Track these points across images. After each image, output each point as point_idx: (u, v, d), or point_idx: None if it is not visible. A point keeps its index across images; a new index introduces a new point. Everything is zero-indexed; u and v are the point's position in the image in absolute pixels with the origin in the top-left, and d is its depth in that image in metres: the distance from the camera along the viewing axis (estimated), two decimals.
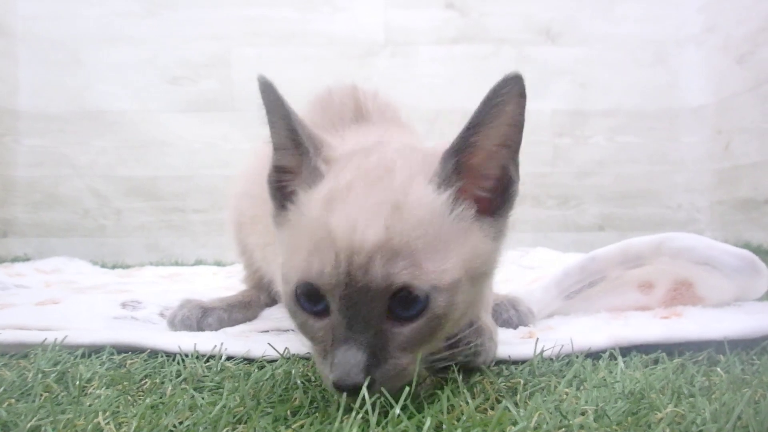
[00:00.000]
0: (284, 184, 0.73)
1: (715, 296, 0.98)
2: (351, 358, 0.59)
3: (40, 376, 0.76)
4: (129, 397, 0.67)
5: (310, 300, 0.63)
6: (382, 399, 0.58)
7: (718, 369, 0.76)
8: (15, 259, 2.50)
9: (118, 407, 0.63)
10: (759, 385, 0.67)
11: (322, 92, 1.07)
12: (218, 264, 2.50)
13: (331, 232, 0.61)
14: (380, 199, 0.63)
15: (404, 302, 0.61)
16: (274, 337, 0.96)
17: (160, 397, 0.66)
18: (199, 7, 2.82)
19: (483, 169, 0.68)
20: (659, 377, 0.72)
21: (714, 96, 2.72)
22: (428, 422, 0.53)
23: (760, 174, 2.43)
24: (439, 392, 0.62)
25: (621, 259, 1.01)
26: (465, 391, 0.64)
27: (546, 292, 1.05)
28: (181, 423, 0.58)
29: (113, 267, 2.44)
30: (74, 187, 2.81)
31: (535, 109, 2.91)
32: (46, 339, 0.87)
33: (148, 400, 0.63)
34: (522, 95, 0.65)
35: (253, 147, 1.21)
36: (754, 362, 0.80)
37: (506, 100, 0.64)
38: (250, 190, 1.06)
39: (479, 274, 0.67)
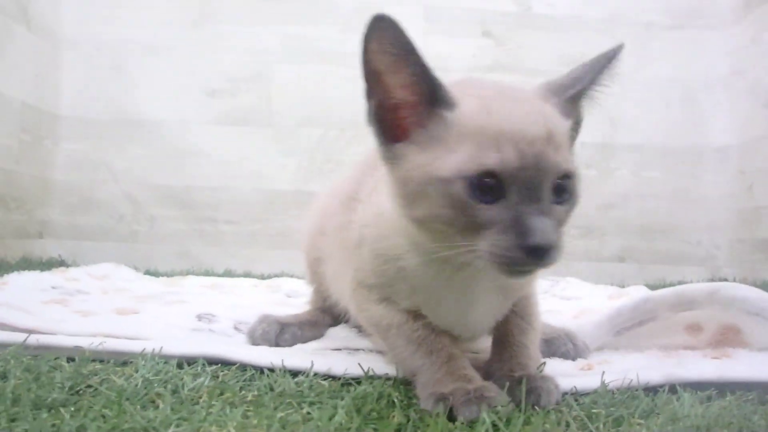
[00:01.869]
0: (397, 122, 0.79)
1: (761, 342, 1.04)
2: (546, 224, 0.71)
3: (148, 384, 0.82)
4: (248, 411, 0.73)
5: (481, 189, 0.72)
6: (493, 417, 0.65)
7: None
8: (50, 261, 2.57)
9: (243, 420, 0.69)
10: None
11: None
12: (246, 275, 2.57)
13: (503, 131, 0.73)
14: (530, 108, 0.77)
15: (560, 187, 0.76)
16: (348, 356, 1.02)
17: (274, 409, 0.73)
18: (242, 22, 2.92)
19: None
20: (721, 414, 0.78)
21: (738, 137, 2.79)
22: None
23: None
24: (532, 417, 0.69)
25: (674, 302, 1.07)
26: (554, 417, 0.71)
27: (598, 327, 1.12)
28: None
29: (146, 273, 2.51)
30: (110, 192, 2.89)
31: None
32: (144, 348, 0.93)
33: (279, 415, 0.69)
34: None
35: (323, 187, 1.29)
36: None
37: None
38: (323, 228, 1.15)
39: None
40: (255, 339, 1.09)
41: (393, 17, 0.76)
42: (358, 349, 1.06)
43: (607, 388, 0.87)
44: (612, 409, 0.79)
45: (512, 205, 0.72)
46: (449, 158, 0.74)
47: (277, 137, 2.92)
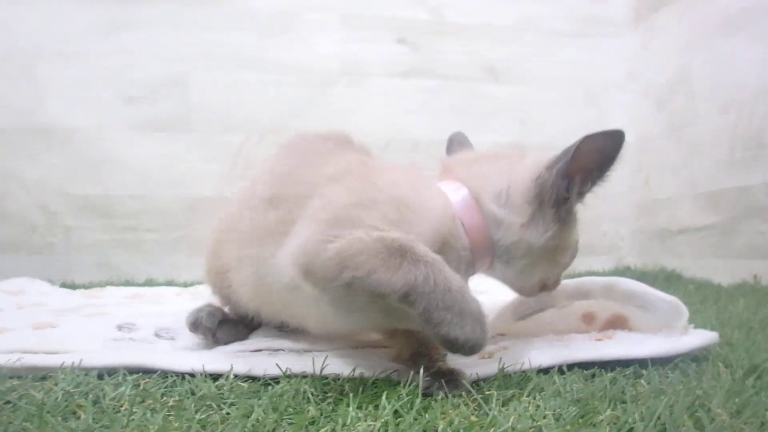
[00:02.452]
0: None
1: (643, 329, 1.17)
2: None
3: (69, 396, 0.84)
4: (169, 415, 0.77)
5: None
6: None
7: (642, 381, 0.94)
8: None
9: (165, 424, 0.74)
10: (673, 393, 0.85)
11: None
12: (169, 283, 2.55)
13: None
14: None
15: None
16: (268, 356, 1.07)
17: (195, 412, 0.78)
18: (158, 29, 2.88)
19: None
20: (598, 388, 0.89)
21: (635, 136, 3.03)
22: (441, 426, 0.67)
23: (675, 207, 2.74)
24: (433, 402, 0.77)
25: (572, 293, 1.21)
26: (452, 401, 0.79)
27: (501, 315, 1.23)
28: None
29: (62, 286, 2.44)
30: (21, 203, 2.78)
31: (480, 140, 3.11)
32: (64, 362, 0.95)
33: (199, 417, 0.74)
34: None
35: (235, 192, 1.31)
36: (668, 375, 0.98)
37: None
38: (227, 237, 1.16)
39: None
40: (197, 319, 1.13)
41: (624, 134, 0.96)
42: (278, 350, 1.11)
43: (504, 372, 0.97)
44: (505, 390, 0.88)
45: None
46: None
47: (197, 143, 2.91)
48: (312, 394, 0.85)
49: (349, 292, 0.86)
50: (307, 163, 1.08)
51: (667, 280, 2.53)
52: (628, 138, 3.29)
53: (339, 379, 0.94)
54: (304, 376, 0.95)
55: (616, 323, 1.22)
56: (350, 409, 0.77)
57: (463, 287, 0.84)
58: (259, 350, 1.11)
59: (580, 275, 2.78)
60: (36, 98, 2.80)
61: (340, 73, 3.01)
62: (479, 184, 1.01)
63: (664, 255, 2.80)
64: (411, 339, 1.04)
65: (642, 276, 2.63)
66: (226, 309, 1.29)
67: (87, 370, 0.95)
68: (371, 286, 0.83)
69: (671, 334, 1.13)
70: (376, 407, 0.78)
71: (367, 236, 0.84)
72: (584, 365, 1.02)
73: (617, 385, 0.92)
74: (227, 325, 1.18)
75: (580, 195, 1.01)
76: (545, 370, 1.00)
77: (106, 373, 0.96)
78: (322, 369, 0.96)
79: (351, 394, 0.82)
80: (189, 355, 1.05)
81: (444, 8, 3.10)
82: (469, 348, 0.82)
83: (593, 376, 0.98)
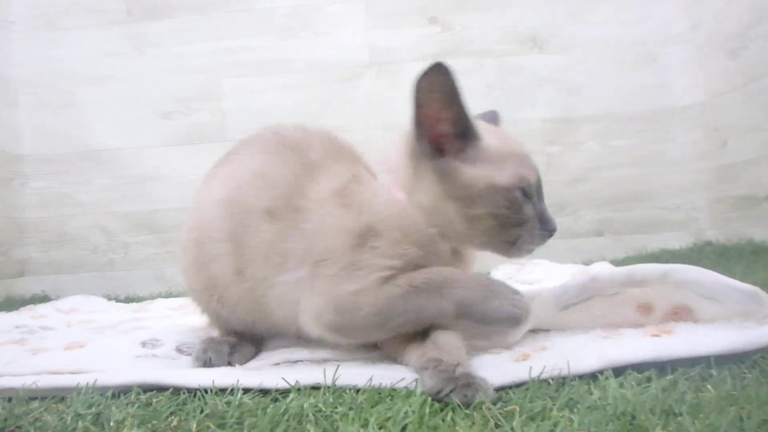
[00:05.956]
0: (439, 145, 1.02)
1: (712, 322, 1.01)
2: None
3: (78, 419, 0.82)
4: None
5: (525, 195, 1.00)
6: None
7: (709, 385, 0.78)
8: (33, 298, 2.59)
9: None
10: (746, 401, 0.71)
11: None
12: None
13: (523, 155, 1.05)
14: (516, 138, 1.10)
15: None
16: (286, 369, 1.02)
17: None
18: (183, 43, 2.92)
19: None
20: (650, 396, 0.75)
21: (705, 94, 2.71)
22: None
23: (758, 170, 2.41)
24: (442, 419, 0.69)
25: (624, 280, 1.07)
26: (464, 417, 0.70)
27: (543, 307, 1.10)
28: None
29: (126, 300, 2.51)
30: (81, 224, 2.91)
31: (524, 117, 2.93)
32: (78, 383, 0.93)
33: None
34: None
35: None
36: (746, 376, 0.82)
37: None
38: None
39: None
40: (207, 364, 1.08)
41: (449, 66, 0.96)
42: (296, 361, 1.06)
43: (540, 378, 0.85)
44: (533, 402, 0.77)
45: (535, 205, 1.02)
46: (503, 174, 0.99)
47: None
48: (314, 411, 0.79)
49: (396, 329, 0.97)
50: (306, 174, 1.08)
51: (754, 253, 2.19)
52: (696, 97, 3.01)
53: (350, 390, 0.87)
54: (316, 387, 0.89)
55: (680, 315, 1.05)
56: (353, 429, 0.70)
57: (482, 275, 1.00)
58: (278, 364, 1.06)
59: (653, 254, 2.54)
60: (80, 124, 2.92)
61: (370, 64, 2.91)
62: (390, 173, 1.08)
63: (749, 225, 2.49)
64: (422, 346, 0.95)
65: (725, 251, 2.36)
66: (216, 332, 1.24)
67: (102, 390, 0.93)
68: (425, 320, 0.96)
69: (746, 325, 0.96)
70: (381, 427, 0.71)
71: (397, 287, 0.94)
72: (639, 366, 0.86)
73: (676, 391, 0.77)
74: (238, 352, 1.13)
75: (463, 136, 1.01)
76: (593, 374, 0.86)
77: (121, 392, 0.93)
78: (334, 380, 0.89)
79: (359, 410, 0.75)
80: (203, 372, 1.01)
81: None
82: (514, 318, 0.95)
83: (648, 380, 0.83)
